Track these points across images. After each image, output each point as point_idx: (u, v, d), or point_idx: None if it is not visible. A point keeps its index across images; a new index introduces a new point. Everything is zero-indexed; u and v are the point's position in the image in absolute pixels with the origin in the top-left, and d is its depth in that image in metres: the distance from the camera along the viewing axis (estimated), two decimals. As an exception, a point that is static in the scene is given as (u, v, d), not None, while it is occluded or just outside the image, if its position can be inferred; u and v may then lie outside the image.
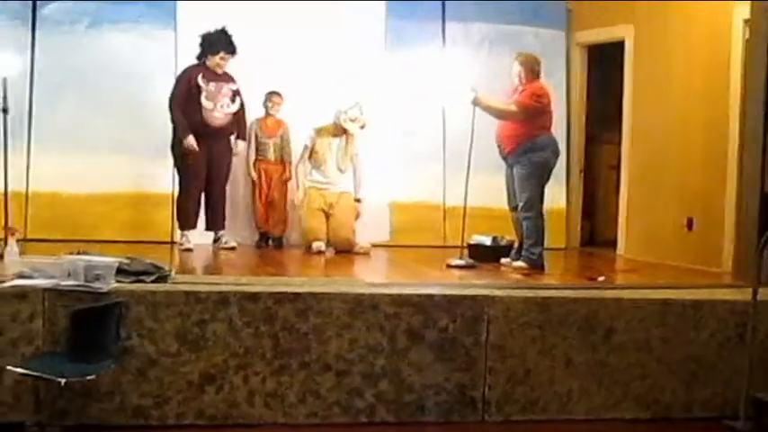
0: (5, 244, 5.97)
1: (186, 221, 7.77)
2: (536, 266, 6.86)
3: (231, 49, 7.76)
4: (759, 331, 5.48)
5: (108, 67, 8.14)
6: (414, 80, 8.62)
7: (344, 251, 7.88)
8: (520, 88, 7.00)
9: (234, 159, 8.04)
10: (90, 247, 5.99)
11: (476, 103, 6.95)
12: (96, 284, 4.84)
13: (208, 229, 7.96)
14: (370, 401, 5.18)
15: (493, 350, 5.29)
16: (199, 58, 7.81)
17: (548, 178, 7.01)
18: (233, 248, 7.80)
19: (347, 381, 5.15)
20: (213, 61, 7.74)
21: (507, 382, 5.33)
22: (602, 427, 5.40)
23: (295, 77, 8.37)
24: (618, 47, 8.80)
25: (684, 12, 7.99)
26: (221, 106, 7.72)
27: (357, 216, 8.12)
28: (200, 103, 7.61)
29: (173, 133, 7.65)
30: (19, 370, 4.51)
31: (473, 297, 5.33)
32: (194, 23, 8.03)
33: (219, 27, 7.72)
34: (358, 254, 7.84)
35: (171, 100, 7.63)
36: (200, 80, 7.62)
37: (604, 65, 9.30)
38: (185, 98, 7.60)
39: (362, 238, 8.07)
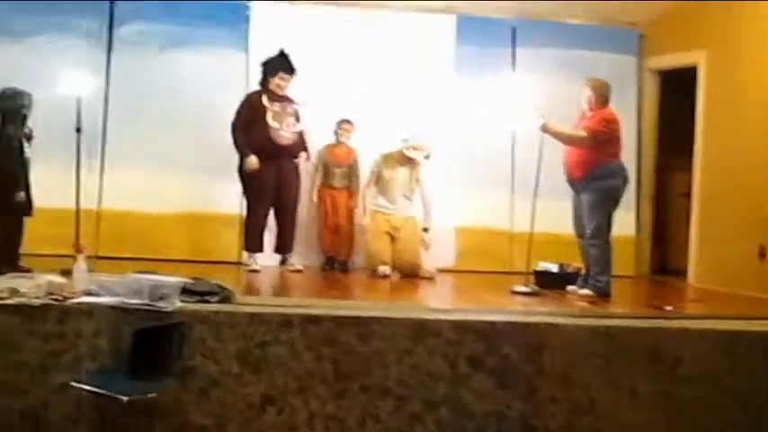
0: (75, 261, 6.08)
1: (253, 243, 7.84)
2: (603, 294, 6.77)
3: (290, 70, 7.86)
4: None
5: (180, 88, 8.29)
6: (483, 105, 8.56)
7: (409, 275, 7.87)
8: (589, 114, 6.94)
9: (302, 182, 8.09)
10: (158, 266, 6.09)
11: (544, 129, 6.91)
12: (161, 304, 4.92)
13: (277, 251, 8.01)
14: (430, 428, 5.15)
15: (556, 379, 5.22)
16: (261, 83, 7.93)
17: (616, 205, 6.93)
18: (299, 271, 7.81)
19: (407, 406, 5.12)
20: (274, 83, 7.85)
21: (571, 411, 5.24)
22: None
23: (364, 104, 8.42)
24: (690, 72, 8.67)
25: (758, 37, 7.85)
26: (287, 125, 7.81)
27: (426, 247, 8.08)
28: (266, 124, 7.70)
29: (239, 157, 7.74)
30: (83, 386, 4.59)
31: (536, 324, 5.29)
32: (266, 47, 8.11)
33: (278, 50, 7.83)
34: (423, 278, 7.82)
35: (234, 124, 7.73)
36: (264, 101, 7.73)
37: (677, 90, 9.15)
38: (249, 122, 7.70)
39: (427, 263, 8.04)
